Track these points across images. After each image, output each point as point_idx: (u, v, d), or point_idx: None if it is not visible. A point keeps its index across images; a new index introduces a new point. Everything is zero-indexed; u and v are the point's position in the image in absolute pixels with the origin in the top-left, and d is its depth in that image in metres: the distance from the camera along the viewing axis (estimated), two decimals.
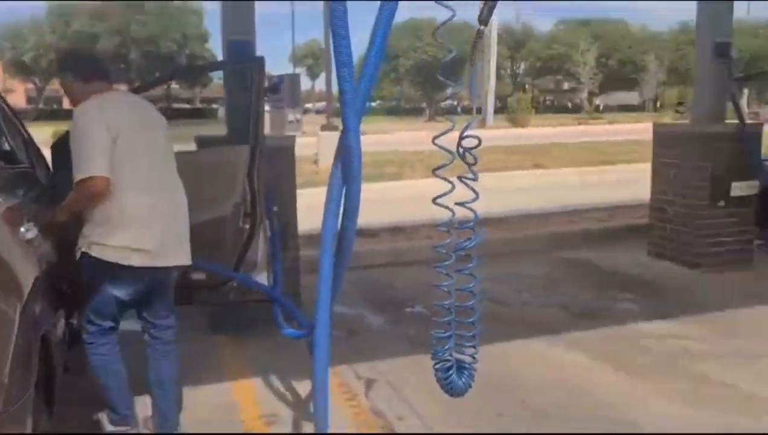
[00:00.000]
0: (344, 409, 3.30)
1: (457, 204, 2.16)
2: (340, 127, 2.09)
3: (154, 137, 2.89)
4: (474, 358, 2.34)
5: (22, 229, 2.53)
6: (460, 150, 2.18)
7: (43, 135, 6.17)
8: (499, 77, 48.92)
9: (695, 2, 5.90)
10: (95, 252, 2.70)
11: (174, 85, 44.55)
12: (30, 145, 3.64)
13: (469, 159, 2.19)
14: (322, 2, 20.82)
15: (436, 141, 2.14)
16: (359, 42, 1.94)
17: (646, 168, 6.52)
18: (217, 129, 5.68)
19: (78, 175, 2.61)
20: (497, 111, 43.23)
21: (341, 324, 4.16)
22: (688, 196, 5.81)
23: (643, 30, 62.95)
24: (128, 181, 2.69)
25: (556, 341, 4.14)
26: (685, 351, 3.99)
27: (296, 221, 4.66)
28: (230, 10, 4.46)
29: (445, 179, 2.14)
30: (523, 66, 66.17)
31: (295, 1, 53.53)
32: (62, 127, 3.64)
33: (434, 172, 2.16)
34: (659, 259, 6.09)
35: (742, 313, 4.66)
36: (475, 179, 2.17)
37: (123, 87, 5.97)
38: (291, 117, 15.16)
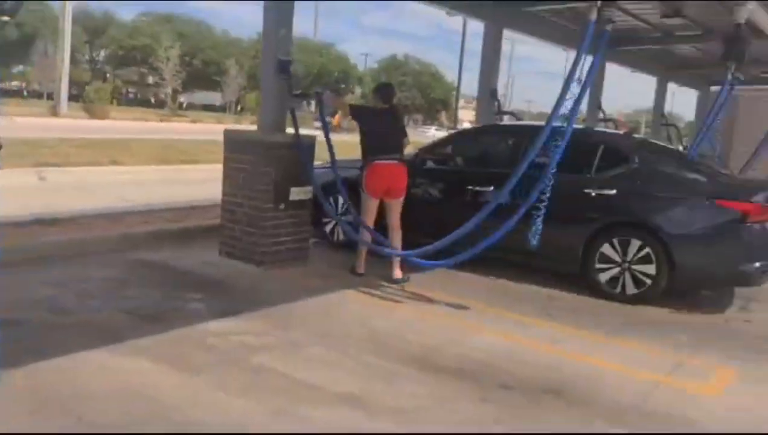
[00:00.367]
0: None
1: None
2: None
3: None
4: None
5: None
6: None
7: None
8: (75, 61, 45.37)
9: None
10: None
11: None
12: None
13: None
14: None
15: None
16: None
17: None
18: None
19: None
20: (72, 98, 40.01)
21: None
22: (255, 198, 6.27)
23: (225, 35, 65.86)
24: None
25: (121, 349, 4.01)
26: (245, 345, 4.27)
27: None
28: None
29: None
30: (103, 53, 62.80)
31: None
32: None
33: None
34: (230, 258, 6.43)
35: (296, 306, 5.23)
36: None
37: None
38: None
